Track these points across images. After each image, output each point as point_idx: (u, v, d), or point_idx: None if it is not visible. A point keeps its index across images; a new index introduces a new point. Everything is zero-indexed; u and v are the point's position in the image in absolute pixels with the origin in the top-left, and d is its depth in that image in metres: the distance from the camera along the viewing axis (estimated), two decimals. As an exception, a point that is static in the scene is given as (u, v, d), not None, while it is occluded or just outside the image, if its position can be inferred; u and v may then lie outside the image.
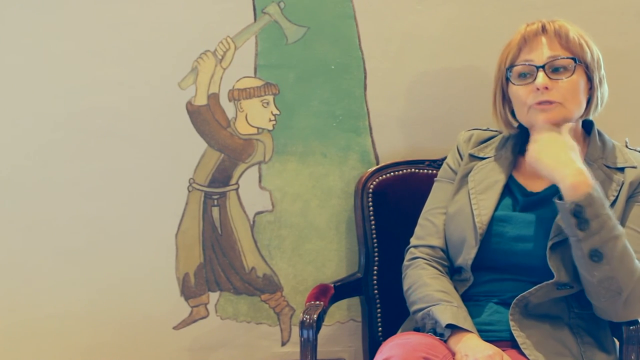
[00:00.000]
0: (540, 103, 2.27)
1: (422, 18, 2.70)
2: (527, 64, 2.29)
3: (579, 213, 2.12)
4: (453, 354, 2.19)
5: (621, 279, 2.16)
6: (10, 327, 2.77)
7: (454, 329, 2.22)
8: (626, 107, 2.42)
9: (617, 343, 2.35)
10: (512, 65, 2.32)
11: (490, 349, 2.16)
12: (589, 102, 2.30)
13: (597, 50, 2.30)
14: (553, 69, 2.26)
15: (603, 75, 2.31)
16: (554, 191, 2.30)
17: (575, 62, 2.25)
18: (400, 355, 2.13)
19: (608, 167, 2.30)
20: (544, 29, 2.29)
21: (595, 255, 2.14)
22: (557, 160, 2.15)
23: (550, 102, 2.26)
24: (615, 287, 2.17)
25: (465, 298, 2.32)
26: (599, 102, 2.31)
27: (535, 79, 2.26)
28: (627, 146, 2.37)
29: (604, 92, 2.32)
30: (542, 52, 2.28)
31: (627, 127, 2.61)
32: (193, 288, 2.79)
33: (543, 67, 2.26)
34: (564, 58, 2.26)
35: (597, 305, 2.22)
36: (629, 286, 2.17)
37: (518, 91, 2.31)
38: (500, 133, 2.46)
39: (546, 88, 2.25)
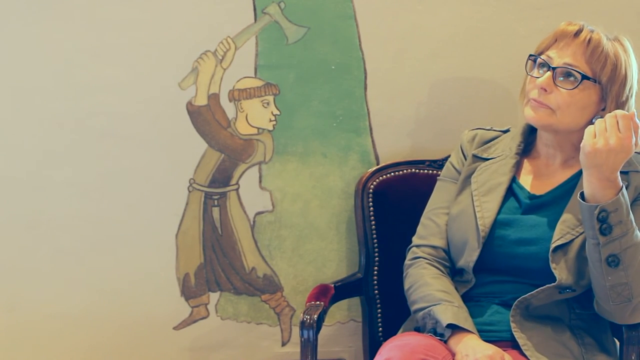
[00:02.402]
0: (536, 100, 2.27)
1: (422, 18, 2.70)
2: (545, 59, 2.28)
3: (604, 218, 2.12)
4: (453, 355, 2.20)
5: (635, 286, 2.17)
6: (10, 327, 2.77)
7: (454, 329, 2.22)
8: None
9: (618, 344, 2.35)
10: (534, 55, 2.31)
11: (490, 348, 2.16)
12: None
13: (631, 77, 2.26)
14: (564, 75, 2.25)
15: (624, 103, 2.26)
16: (557, 194, 2.31)
17: (583, 78, 2.23)
18: (399, 357, 2.14)
19: None
20: (577, 34, 2.26)
21: (613, 261, 2.14)
22: (605, 167, 2.11)
23: (543, 104, 2.26)
24: (627, 294, 2.17)
25: (466, 298, 2.32)
26: None
27: (542, 76, 2.27)
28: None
29: None
30: (563, 55, 2.26)
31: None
32: (193, 288, 2.79)
33: (555, 69, 2.25)
34: (574, 70, 2.24)
35: (605, 307, 2.22)
36: None
37: (527, 81, 2.32)
38: (504, 133, 2.46)
39: (545, 90, 2.25)
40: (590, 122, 2.20)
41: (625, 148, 2.12)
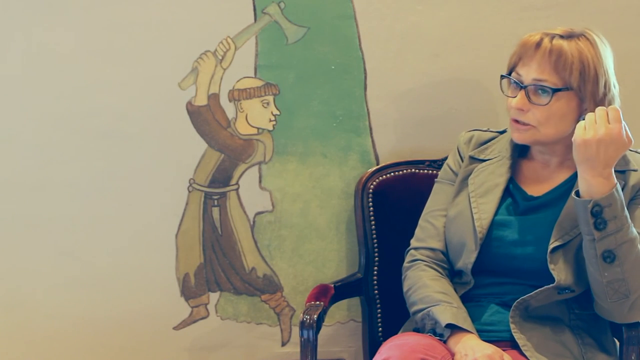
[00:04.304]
0: (516, 121, 2.28)
1: (422, 18, 2.70)
2: (513, 80, 2.29)
3: (598, 213, 2.13)
4: (452, 355, 2.20)
5: (631, 282, 2.18)
6: (10, 327, 2.77)
7: (453, 329, 2.22)
8: (626, 108, 2.41)
9: (618, 344, 2.35)
10: (505, 75, 2.32)
11: (489, 348, 2.17)
12: None
13: (603, 73, 2.24)
14: (536, 91, 2.25)
15: (602, 99, 2.25)
16: (555, 195, 2.31)
17: (553, 92, 2.22)
18: (398, 356, 2.14)
19: None
20: (538, 45, 2.25)
21: (609, 257, 2.15)
22: (596, 160, 2.13)
23: (524, 124, 2.27)
24: (624, 290, 2.18)
25: (466, 299, 2.32)
26: None
27: (515, 96, 2.27)
28: (628, 148, 2.36)
29: None
30: (530, 71, 2.26)
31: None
32: (193, 288, 2.79)
33: (525, 87, 2.26)
34: (544, 85, 2.23)
35: (603, 305, 2.23)
36: (638, 290, 2.19)
37: (507, 101, 2.32)
38: (501, 134, 2.46)
39: (522, 110, 2.26)
40: (582, 118, 2.20)
41: (615, 139, 2.13)
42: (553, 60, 2.23)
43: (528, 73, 2.26)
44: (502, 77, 2.33)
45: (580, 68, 2.23)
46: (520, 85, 2.27)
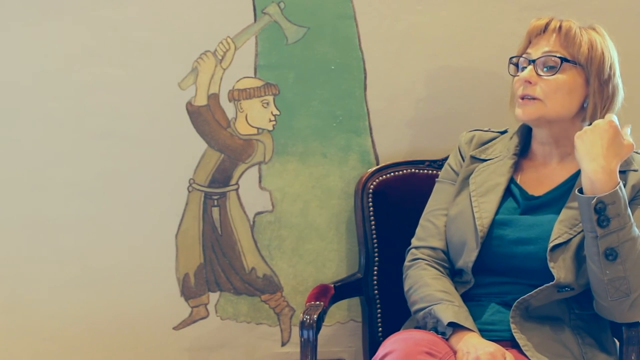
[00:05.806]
0: (523, 97, 2.31)
1: (422, 18, 2.71)
2: (523, 57, 2.33)
3: (601, 210, 2.14)
4: (454, 352, 2.20)
5: (632, 280, 2.18)
6: (9, 327, 2.77)
7: (455, 327, 2.23)
8: (627, 108, 2.41)
9: (618, 343, 2.35)
10: (515, 56, 2.36)
11: (491, 346, 2.17)
12: (588, 105, 2.30)
13: (609, 56, 2.30)
14: (544, 64, 2.29)
15: (607, 81, 2.29)
16: (555, 195, 2.32)
17: (562, 61, 2.27)
18: (403, 349, 2.14)
19: None
20: (547, 26, 2.32)
21: (611, 254, 2.16)
22: (595, 150, 2.17)
23: (531, 97, 2.29)
24: (624, 288, 2.19)
25: (467, 298, 2.32)
26: (598, 107, 2.30)
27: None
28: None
29: (607, 97, 2.30)
30: (539, 48, 2.31)
31: (628, 128, 2.60)
32: (193, 288, 2.79)
33: (534, 61, 2.30)
34: (553, 56, 2.28)
35: (604, 304, 2.23)
36: (638, 289, 2.19)
37: (513, 82, 2.35)
38: (502, 134, 2.47)
39: (530, 82, 2.29)
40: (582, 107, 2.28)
41: (610, 128, 2.18)
42: (563, 36, 2.30)
43: (537, 50, 2.32)
44: (511, 59, 2.37)
45: (589, 45, 2.29)
46: (530, 60, 2.31)
